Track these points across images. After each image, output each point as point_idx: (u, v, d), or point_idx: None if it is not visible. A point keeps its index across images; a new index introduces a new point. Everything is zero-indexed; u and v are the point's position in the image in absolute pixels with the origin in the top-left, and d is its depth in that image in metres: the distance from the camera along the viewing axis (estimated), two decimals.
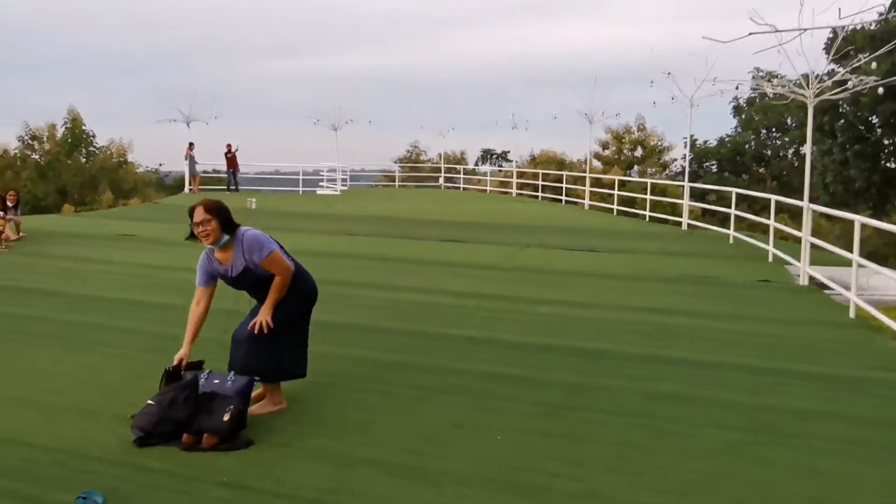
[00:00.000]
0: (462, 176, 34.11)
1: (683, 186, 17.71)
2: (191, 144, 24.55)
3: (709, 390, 5.16)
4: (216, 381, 4.36)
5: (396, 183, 35.65)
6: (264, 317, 4.43)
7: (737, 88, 15.47)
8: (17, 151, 37.13)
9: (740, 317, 7.52)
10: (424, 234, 14.60)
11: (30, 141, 37.47)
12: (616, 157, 38.81)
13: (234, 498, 3.54)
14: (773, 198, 12.02)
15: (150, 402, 4.25)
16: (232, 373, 4.44)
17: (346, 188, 28.30)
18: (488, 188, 31.28)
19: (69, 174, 36.67)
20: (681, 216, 17.68)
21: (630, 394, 5.03)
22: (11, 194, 12.90)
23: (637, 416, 4.62)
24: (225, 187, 25.22)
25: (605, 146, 39.07)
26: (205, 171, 26.35)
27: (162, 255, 11.05)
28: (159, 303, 7.60)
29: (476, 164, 47.34)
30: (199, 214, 4.29)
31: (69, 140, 37.63)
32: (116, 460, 3.88)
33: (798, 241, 10.19)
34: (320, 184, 28.85)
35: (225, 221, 4.33)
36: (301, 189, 27.34)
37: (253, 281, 4.48)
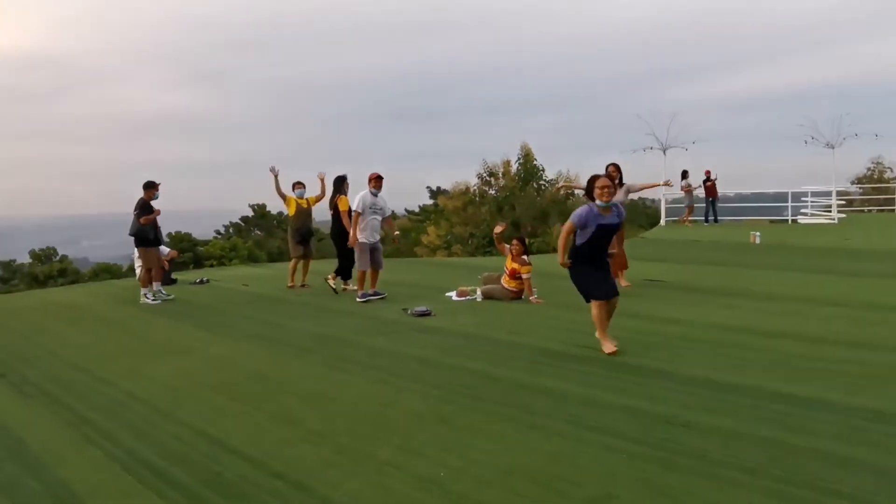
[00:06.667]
0: None
1: None
2: (685, 172, 22.39)
3: None
4: None
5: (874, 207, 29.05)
6: None
7: None
8: (476, 188, 39.79)
9: None
10: None
11: (487, 177, 39.88)
12: None
13: None
14: None
15: None
16: None
17: (843, 215, 23.33)
18: None
19: (523, 207, 37.92)
20: None
21: None
22: (502, 225, 11.37)
23: None
24: (703, 218, 22.49)
25: None
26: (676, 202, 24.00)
27: (728, 310, 8.56)
28: (820, 398, 4.91)
29: None
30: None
31: (522, 175, 39.07)
32: None
33: None
34: (802, 211, 24.40)
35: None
36: (790, 217, 23.29)
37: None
